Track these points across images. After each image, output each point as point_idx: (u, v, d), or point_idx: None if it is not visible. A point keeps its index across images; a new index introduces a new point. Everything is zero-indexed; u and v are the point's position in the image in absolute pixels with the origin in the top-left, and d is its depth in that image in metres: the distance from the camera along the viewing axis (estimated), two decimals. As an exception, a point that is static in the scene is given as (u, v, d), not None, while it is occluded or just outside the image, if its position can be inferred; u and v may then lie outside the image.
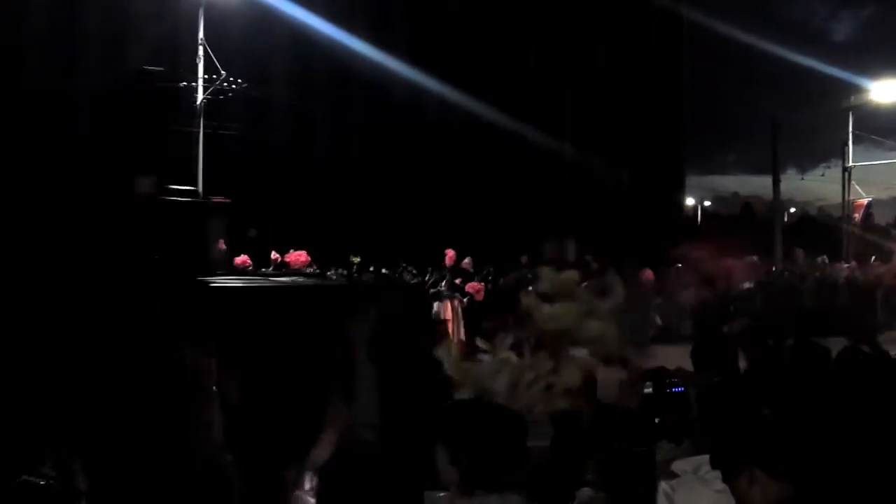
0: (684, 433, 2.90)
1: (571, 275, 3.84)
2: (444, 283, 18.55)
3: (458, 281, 18.81)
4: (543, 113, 33.64)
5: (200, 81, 20.83)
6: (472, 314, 18.10)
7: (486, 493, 2.38)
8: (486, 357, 4.32)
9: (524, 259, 20.75)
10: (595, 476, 2.58)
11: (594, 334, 3.65)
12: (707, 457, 2.74)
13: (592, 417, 2.83)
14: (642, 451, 2.54)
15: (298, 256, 17.56)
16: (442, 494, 2.43)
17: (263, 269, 17.69)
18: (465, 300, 18.70)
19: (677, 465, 2.72)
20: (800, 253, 25.02)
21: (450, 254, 18.75)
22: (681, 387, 3.09)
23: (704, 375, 3.95)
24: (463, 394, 3.58)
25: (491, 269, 20.71)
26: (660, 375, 3.25)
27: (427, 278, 19.37)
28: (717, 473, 2.54)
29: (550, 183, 35.17)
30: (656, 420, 2.97)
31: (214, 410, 3.54)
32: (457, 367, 3.57)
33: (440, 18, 32.96)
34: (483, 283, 19.36)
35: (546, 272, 3.91)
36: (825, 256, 25.49)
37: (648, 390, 3.19)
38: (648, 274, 21.60)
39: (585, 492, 2.80)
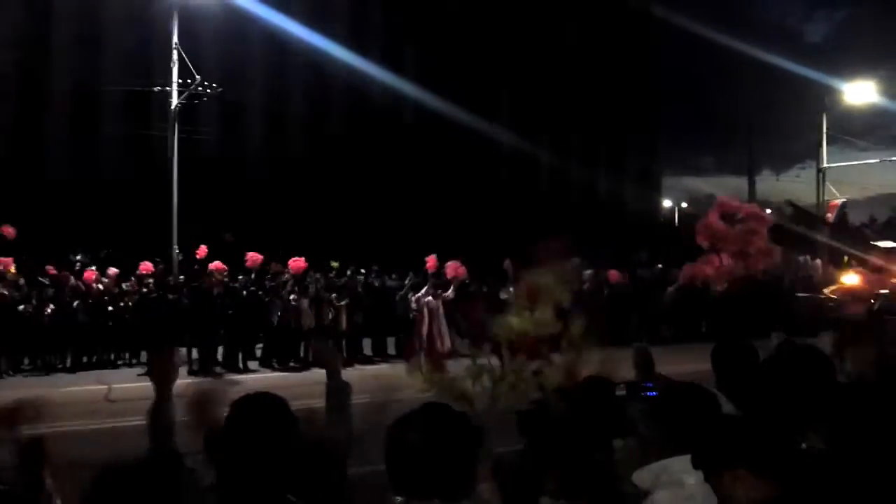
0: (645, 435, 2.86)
1: (548, 279, 3.78)
2: (425, 288, 18.51)
3: (440, 289, 18.74)
4: (518, 117, 33.77)
5: (175, 86, 20.59)
6: (455, 316, 18.08)
7: (441, 501, 2.34)
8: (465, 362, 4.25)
9: (506, 263, 20.70)
10: (554, 486, 2.50)
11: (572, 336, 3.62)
12: (664, 463, 2.70)
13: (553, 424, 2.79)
14: (602, 458, 2.49)
15: (297, 262, 17.52)
16: (399, 499, 2.38)
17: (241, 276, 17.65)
18: (441, 294, 18.57)
19: (637, 477, 2.68)
20: (776, 251, 25.09)
21: (431, 260, 18.70)
22: (654, 391, 3.06)
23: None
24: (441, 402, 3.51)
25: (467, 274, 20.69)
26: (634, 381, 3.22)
27: (406, 282, 19.35)
28: (682, 478, 2.51)
29: (526, 186, 35.30)
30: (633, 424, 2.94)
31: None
32: (430, 378, 3.52)
33: (418, 22, 32.98)
34: (464, 268, 19.27)
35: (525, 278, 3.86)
36: (807, 256, 25.69)
37: (622, 393, 3.16)
38: (614, 274, 21.71)
39: (545, 501, 2.73)
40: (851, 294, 16.72)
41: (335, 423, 3.42)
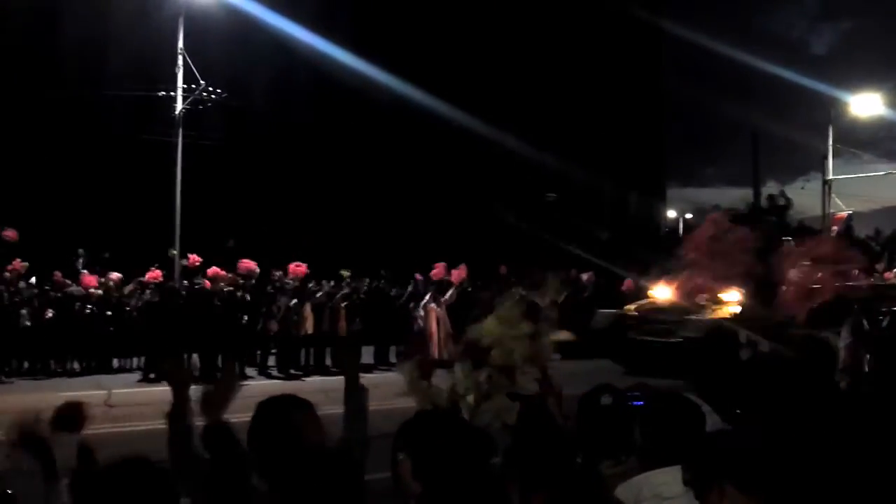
0: (633, 448, 2.83)
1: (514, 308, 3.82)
2: (428, 295, 18.46)
3: (445, 296, 18.68)
4: (527, 127, 33.81)
5: (180, 91, 20.63)
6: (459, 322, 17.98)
7: None
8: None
9: (503, 269, 20.74)
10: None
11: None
12: (645, 476, 2.66)
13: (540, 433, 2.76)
14: (582, 464, 2.45)
15: (297, 267, 17.44)
16: None
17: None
18: (443, 300, 18.49)
19: (619, 492, 2.64)
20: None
21: (439, 269, 18.67)
22: (641, 400, 3.02)
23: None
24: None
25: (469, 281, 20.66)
26: (619, 389, 3.18)
27: (409, 289, 19.29)
28: (663, 491, 2.48)
29: (532, 195, 35.35)
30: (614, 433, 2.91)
31: None
32: (415, 386, 3.51)
33: (429, 29, 33.06)
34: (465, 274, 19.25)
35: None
36: None
37: (607, 402, 3.12)
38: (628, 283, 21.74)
39: None
40: (660, 310, 14.99)
41: (352, 428, 3.42)
